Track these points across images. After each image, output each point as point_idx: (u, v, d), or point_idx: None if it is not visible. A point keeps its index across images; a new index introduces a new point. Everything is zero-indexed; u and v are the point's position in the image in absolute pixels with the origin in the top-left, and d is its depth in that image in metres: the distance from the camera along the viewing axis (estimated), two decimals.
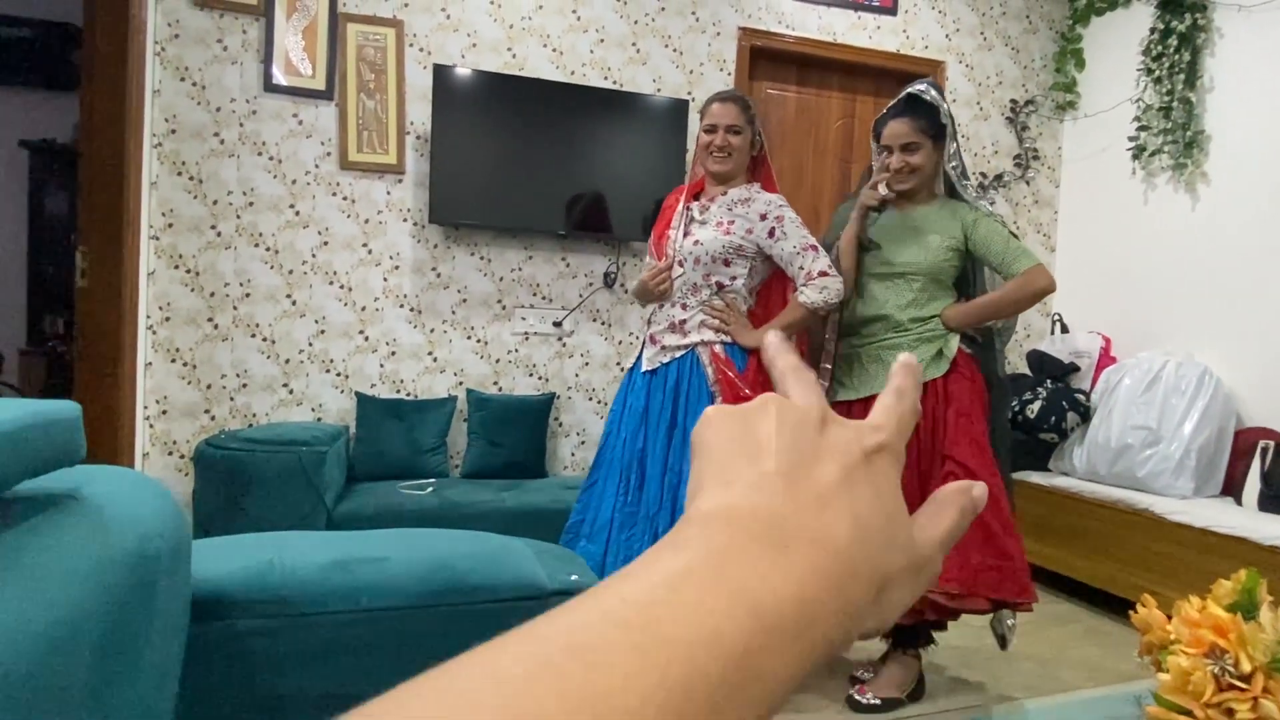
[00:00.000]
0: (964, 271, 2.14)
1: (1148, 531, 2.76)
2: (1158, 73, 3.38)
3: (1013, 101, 3.84)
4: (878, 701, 2.05)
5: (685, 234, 2.06)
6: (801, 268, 1.99)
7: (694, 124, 3.36)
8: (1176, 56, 3.29)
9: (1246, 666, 0.95)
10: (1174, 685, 1.00)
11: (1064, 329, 3.72)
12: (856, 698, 2.07)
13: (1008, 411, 2.11)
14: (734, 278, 2.03)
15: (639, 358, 2.12)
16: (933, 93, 2.02)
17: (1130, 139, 3.49)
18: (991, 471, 1.99)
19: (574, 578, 1.06)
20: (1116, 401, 3.09)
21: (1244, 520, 2.55)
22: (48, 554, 0.63)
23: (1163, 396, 2.99)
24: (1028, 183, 3.89)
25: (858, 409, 2.07)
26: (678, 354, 2.02)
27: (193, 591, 0.91)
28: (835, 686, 2.19)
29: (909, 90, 2.05)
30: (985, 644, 2.59)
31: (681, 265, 2.04)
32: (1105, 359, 3.44)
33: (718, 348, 2.00)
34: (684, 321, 2.03)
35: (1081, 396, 3.24)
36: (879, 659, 2.19)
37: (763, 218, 2.01)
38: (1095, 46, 3.78)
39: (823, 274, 1.97)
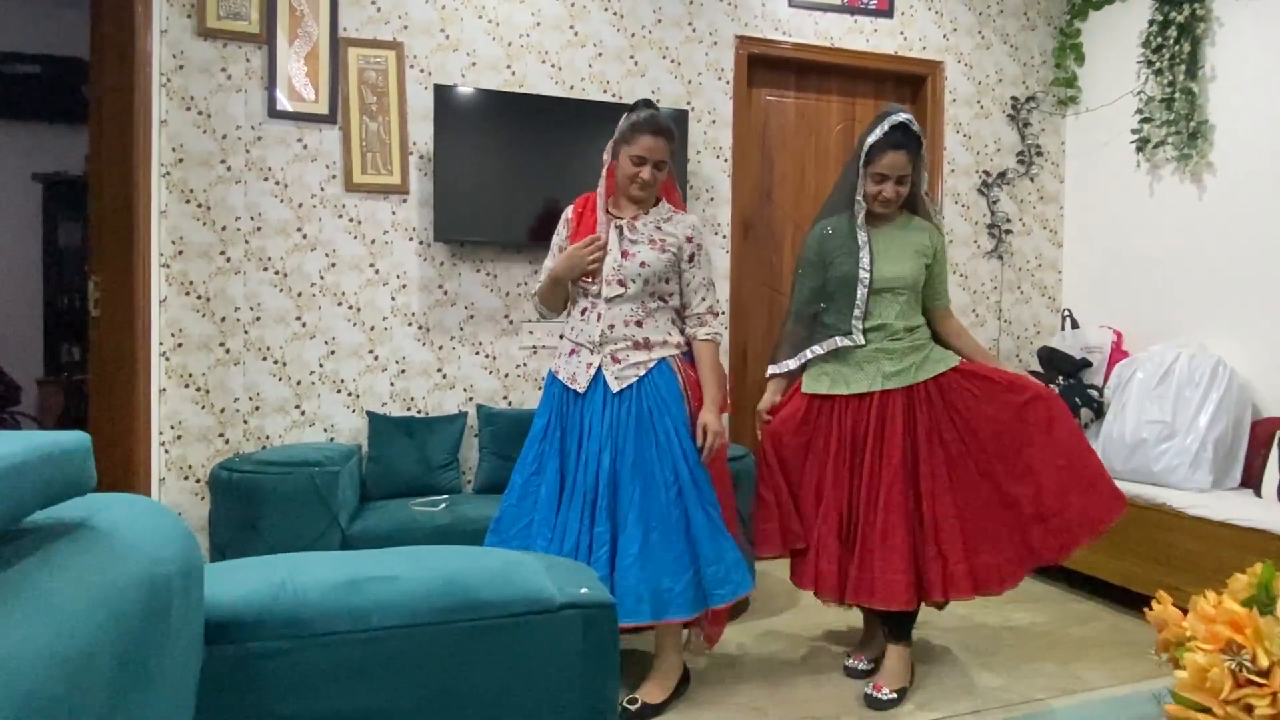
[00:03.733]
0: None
1: (1167, 526, 2.73)
2: (1158, 64, 3.37)
3: (1013, 99, 3.83)
4: (895, 695, 2.13)
5: (624, 254, 2.12)
6: (704, 299, 2.18)
7: (695, 134, 3.37)
8: (1176, 48, 3.28)
9: (1264, 661, 0.94)
10: (1192, 682, 0.98)
11: (1074, 324, 3.70)
12: (877, 695, 2.13)
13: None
14: (671, 294, 2.19)
15: (597, 378, 2.11)
16: (915, 122, 2.15)
17: (1134, 131, 3.48)
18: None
19: (584, 590, 1.06)
20: (1130, 396, 3.06)
21: (1265, 512, 2.52)
22: (59, 582, 0.64)
23: (1176, 389, 2.96)
24: (1032, 179, 3.88)
25: (839, 404, 2.20)
26: (649, 366, 2.12)
27: (206, 615, 0.92)
28: (845, 692, 2.21)
29: (900, 119, 2.12)
30: (1005, 645, 2.57)
31: (625, 286, 2.11)
32: (1117, 353, 3.41)
33: (681, 356, 2.16)
34: (648, 338, 2.14)
35: (1094, 392, 3.21)
36: (874, 654, 2.34)
37: (688, 240, 2.17)
38: (1094, 40, 3.77)
39: (713, 312, 2.19)
